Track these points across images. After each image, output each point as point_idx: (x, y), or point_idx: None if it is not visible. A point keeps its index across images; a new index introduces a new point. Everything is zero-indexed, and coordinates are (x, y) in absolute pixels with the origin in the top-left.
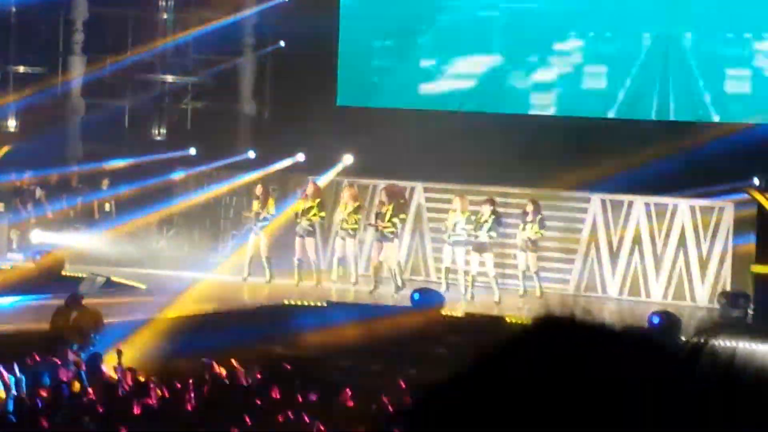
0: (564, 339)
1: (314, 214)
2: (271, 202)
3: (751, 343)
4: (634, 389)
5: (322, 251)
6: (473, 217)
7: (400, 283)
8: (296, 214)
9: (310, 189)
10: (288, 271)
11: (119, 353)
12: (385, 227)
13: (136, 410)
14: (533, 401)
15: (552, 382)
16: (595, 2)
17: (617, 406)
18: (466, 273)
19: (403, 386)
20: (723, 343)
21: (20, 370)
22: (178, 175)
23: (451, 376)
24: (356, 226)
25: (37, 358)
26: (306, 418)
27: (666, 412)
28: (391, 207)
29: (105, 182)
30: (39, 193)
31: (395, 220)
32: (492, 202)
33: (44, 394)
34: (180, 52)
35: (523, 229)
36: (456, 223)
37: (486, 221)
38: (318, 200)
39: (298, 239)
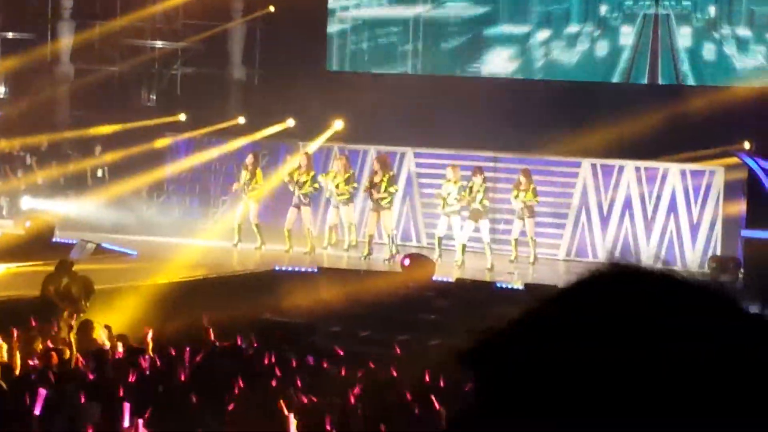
0: (634, 288)
1: (309, 186)
2: (259, 172)
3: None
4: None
5: (315, 219)
6: (466, 185)
7: (394, 250)
8: (290, 183)
9: (303, 161)
10: (279, 237)
11: (108, 329)
12: (381, 198)
13: (131, 378)
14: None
15: (623, 331)
16: None
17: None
18: (458, 241)
19: (399, 352)
20: None
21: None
22: (167, 141)
23: (520, 317)
24: (348, 195)
25: (33, 324)
26: (299, 383)
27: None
28: (386, 177)
29: (98, 149)
30: (30, 159)
31: (391, 189)
32: (480, 171)
33: (34, 360)
34: (169, 18)
35: (517, 197)
36: (449, 193)
37: (479, 190)
38: (312, 173)
39: (292, 209)
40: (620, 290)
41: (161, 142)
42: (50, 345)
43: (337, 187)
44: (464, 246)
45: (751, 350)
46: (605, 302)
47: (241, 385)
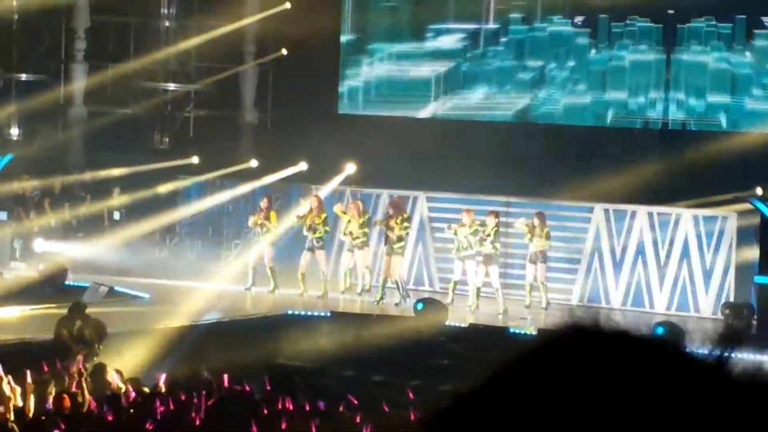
0: (592, 348)
1: (321, 229)
2: (273, 214)
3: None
4: (659, 400)
5: (328, 262)
6: (480, 230)
7: (404, 293)
8: (303, 227)
9: (314, 203)
10: (292, 281)
11: (119, 374)
12: (395, 242)
13: (142, 422)
14: (563, 412)
15: (581, 392)
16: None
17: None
18: (472, 285)
19: (411, 396)
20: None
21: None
22: (180, 184)
23: (472, 386)
24: (364, 239)
25: (45, 368)
26: (312, 427)
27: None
28: (398, 220)
29: (116, 190)
30: (46, 201)
31: (403, 233)
32: (496, 215)
33: (49, 404)
34: (182, 60)
35: (531, 240)
36: (465, 237)
37: (489, 234)
38: (324, 215)
39: (305, 252)
40: (574, 358)
41: (174, 185)
42: (63, 388)
43: (351, 233)
44: (479, 290)
45: (691, 405)
46: (559, 368)
47: (254, 430)
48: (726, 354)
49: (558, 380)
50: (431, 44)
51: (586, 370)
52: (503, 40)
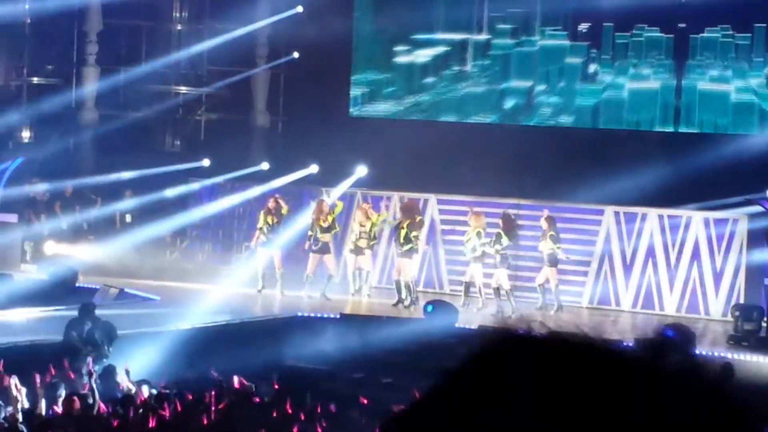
0: (512, 356)
1: (331, 231)
2: (282, 211)
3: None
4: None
5: (337, 265)
6: (489, 233)
7: (414, 297)
8: (312, 230)
9: (325, 207)
10: (301, 283)
11: (127, 372)
12: (402, 245)
13: (152, 423)
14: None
15: (505, 403)
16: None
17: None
18: (483, 287)
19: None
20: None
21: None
22: (191, 187)
23: (412, 401)
24: (371, 242)
25: (53, 371)
26: (319, 430)
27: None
28: (407, 224)
29: (128, 193)
30: (57, 204)
31: (411, 237)
32: (507, 217)
33: (58, 406)
34: (194, 64)
35: (541, 244)
36: (471, 239)
37: (500, 236)
38: (330, 218)
39: (313, 255)
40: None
41: (185, 188)
42: (73, 390)
43: (361, 233)
44: (496, 291)
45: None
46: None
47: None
48: (658, 351)
49: (486, 392)
50: (426, 52)
51: (512, 380)
52: (491, 53)
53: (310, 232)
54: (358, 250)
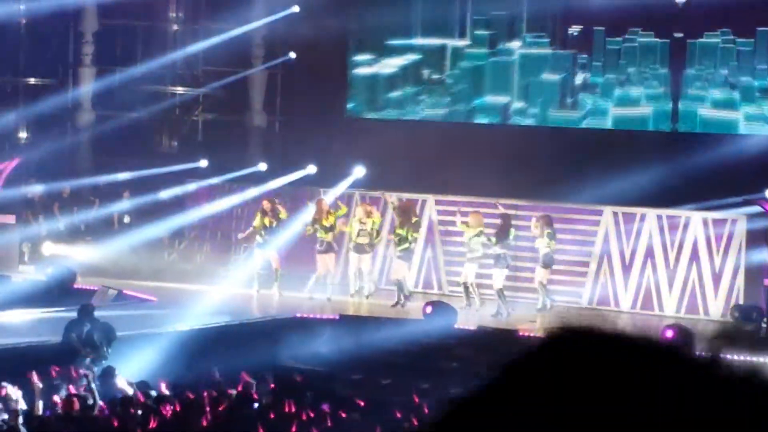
0: (584, 350)
1: (333, 230)
2: (282, 214)
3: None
4: (656, 400)
5: (338, 265)
6: (489, 232)
7: (407, 294)
8: (314, 229)
9: (317, 207)
10: (299, 283)
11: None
12: (397, 245)
13: (151, 424)
14: (557, 414)
15: (575, 393)
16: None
17: (641, 418)
18: (479, 286)
19: (417, 400)
20: (737, 356)
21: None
22: (188, 187)
23: (471, 390)
24: (370, 241)
25: (53, 372)
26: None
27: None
28: (399, 223)
29: (126, 194)
30: (55, 205)
31: (409, 238)
32: (507, 216)
33: (58, 407)
34: (190, 64)
35: (536, 243)
36: (470, 239)
37: (501, 235)
38: (331, 217)
39: (320, 256)
40: (567, 360)
41: (182, 189)
42: (72, 391)
43: (360, 232)
44: (497, 291)
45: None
46: (553, 370)
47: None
48: (719, 354)
49: (556, 383)
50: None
51: (583, 373)
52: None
53: (309, 230)
54: (359, 248)
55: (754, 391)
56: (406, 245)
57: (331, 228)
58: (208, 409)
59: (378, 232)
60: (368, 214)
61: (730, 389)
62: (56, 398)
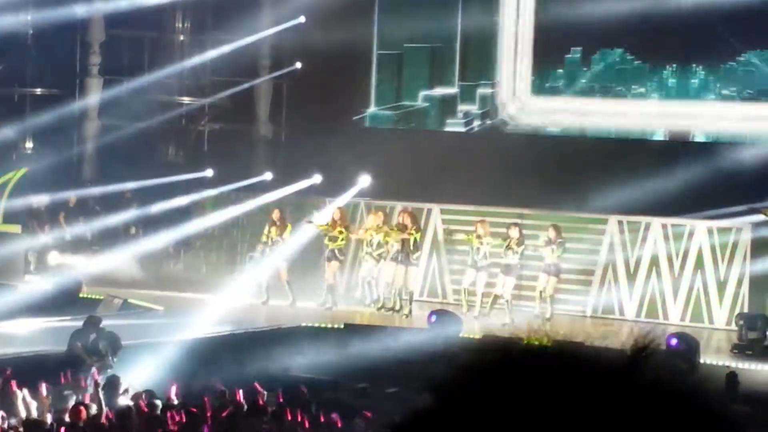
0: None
1: (342, 240)
2: (288, 227)
3: None
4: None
5: (348, 274)
6: (500, 242)
7: (405, 307)
8: (323, 239)
9: (337, 215)
10: (307, 293)
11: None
12: (411, 253)
13: None
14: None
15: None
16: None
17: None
18: (486, 295)
19: None
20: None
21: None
22: (195, 197)
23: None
24: (382, 250)
25: (63, 380)
26: None
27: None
28: (418, 234)
29: (132, 204)
30: (61, 215)
31: (419, 245)
32: (518, 226)
33: (65, 416)
34: (196, 74)
35: (546, 252)
36: (479, 248)
37: (513, 244)
38: (345, 226)
39: (327, 264)
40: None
41: (188, 198)
42: (79, 400)
43: (374, 241)
44: (497, 298)
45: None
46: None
47: None
48: (638, 359)
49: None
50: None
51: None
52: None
53: (326, 240)
54: (369, 259)
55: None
56: (419, 253)
57: (336, 238)
58: (211, 418)
59: (385, 244)
60: (379, 225)
61: (643, 394)
62: (64, 407)
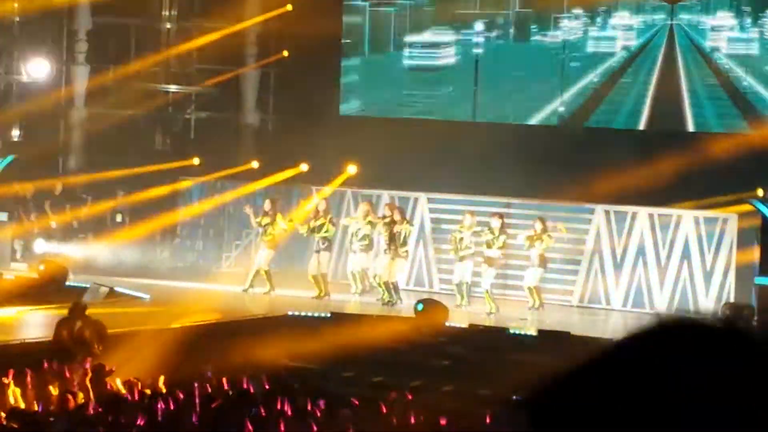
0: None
1: (327, 230)
2: (279, 217)
3: None
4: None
5: (335, 263)
6: (483, 230)
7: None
8: (307, 230)
9: (322, 205)
10: (294, 281)
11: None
12: (401, 247)
13: (140, 421)
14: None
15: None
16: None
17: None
18: (471, 285)
19: (410, 398)
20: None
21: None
22: (181, 185)
23: (577, 367)
24: (369, 241)
25: (47, 369)
26: (315, 427)
27: None
28: (408, 226)
29: (118, 192)
30: (47, 203)
31: (408, 239)
32: (501, 216)
33: (51, 404)
34: (183, 62)
35: (532, 246)
36: (462, 238)
37: (497, 236)
38: (329, 216)
39: (314, 254)
40: (669, 345)
41: (175, 186)
42: (66, 389)
43: (361, 231)
44: (488, 291)
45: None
46: (656, 358)
47: (251, 429)
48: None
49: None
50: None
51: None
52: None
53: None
54: (355, 249)
55: None
56: (407, 246)
57: (315, 229)
58: (198, 407)
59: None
60: (369, 214)
61: None
62: (50, 396)
